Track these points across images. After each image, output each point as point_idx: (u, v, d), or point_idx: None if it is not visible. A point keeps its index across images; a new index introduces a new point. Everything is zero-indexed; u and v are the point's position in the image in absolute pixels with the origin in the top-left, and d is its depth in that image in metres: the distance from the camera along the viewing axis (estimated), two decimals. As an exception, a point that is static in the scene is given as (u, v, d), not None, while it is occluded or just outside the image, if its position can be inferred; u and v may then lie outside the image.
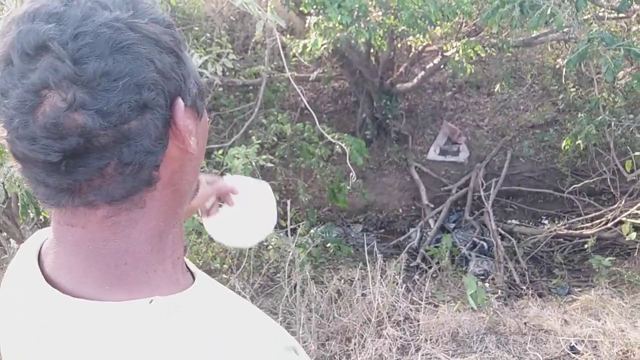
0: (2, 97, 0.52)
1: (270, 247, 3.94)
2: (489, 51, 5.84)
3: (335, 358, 3.20)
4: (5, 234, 3.38)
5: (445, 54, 5.97)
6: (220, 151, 4.45)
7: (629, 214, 4.67)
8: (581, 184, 5.51)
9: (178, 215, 0.63)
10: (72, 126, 0.51)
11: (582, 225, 5.42)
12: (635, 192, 5.17)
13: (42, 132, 0.51)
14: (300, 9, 5.10)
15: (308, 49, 4.92)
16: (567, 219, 5.64)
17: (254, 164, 3.94)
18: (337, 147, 4.54)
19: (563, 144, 5.04)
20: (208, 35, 5.88)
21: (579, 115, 5.48)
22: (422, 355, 3.20)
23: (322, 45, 4.84)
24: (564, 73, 5.93)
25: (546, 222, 6.16)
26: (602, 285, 4.22)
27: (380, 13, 5.11)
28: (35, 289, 0.58)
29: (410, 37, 5.73)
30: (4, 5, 2.53)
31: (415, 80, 6.76)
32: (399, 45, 6.59)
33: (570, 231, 5.42)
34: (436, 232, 5.77)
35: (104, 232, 0.57)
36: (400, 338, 3.35)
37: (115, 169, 0.54)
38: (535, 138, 6.85)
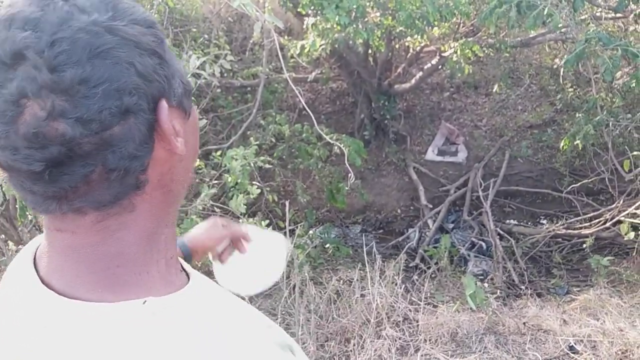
0: None
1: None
2: (486, 51, 5.85)
3: (334, 359, 3.20)
4: (3, 236, 3.37)
5: (443, 54, 5.97)
6: (219, 152, 4.45)
7: (627, 214, 4.67)
8: (579, 183, 5.52)
9: (170, 216, 0.63)
10: (53, 135, 0.50)
11: (580, 225, 5.42)
12: (633, 192, 5.17)
13: (24, 142, 0.50)
14: (298, 10, 5.10)
15: (306, 50, 4.91)
16: (566, 219, 5.65)
17: (252, 165, 3.94)
18: (336, 147, 4.54)
19: (561, 144, 5.04)
20: (206, 36, 5.88)
21: (577, 115, 5.49)
22: (422, 355, 3.20)
23: (320, 46, 4.84)
24: (561, 73, 5.94)
25: (545, 222, 6.17)
26: (600, 284, 4.22)
27: (378, 14, 5.11)
28: (32, 291, 0.58)
29: (408, 38, 5.74)
30: None
31: (413, 81, 6.77)
32: (397, 46, 6.60)
33: (569, 231, 5.43)
34: (435, 233, 5.77)
35: (94, 236, 0.57)
36: (400, 339, 3.35)
37: (101, 175, 0.54)
38: (534, 138, 6.86)
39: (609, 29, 5.66)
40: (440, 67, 6.45)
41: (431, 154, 6.91)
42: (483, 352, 3.23)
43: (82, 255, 0.57)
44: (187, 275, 0.65)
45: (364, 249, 4.01)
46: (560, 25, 3.89)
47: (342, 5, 4.46)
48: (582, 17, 4.97)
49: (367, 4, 4.84)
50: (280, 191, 5.62)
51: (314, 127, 4.93)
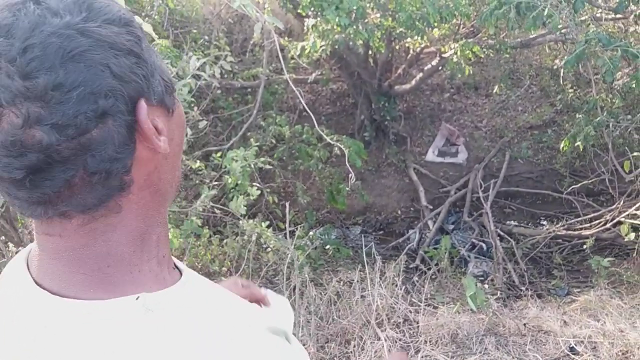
0: None
1: (269, 249, 3.94)
2: (487, 52, 5.84)
3: (334, 360, 3.19)
4: (3, 237, 3.37)
5: (443, 55, 5.98)
6: (219, 153, 4.45)
7: (628, 215, 4.67)
8: (580, 184, 5.51)
9: (160, 215, 0.63)
10: (30, 143, 0.50)
11: (580, 226, 5.42)
12: (633, 193, 5.17)
13: (2, 150, 0.51)
14: (298, 11, 5.11)
15: (306, 51, 4.92)
16: (566, 220, 5.64)
17: (252, 166, 3.94)
18: (336, 149, 4.55)
19: (561, 145, 5.04)
20: (206, 37, 5.88)
21: (577, 116, 5.48)
22: (422, 356, 3.20)
23: (320, 47, 4.85)
24: (561, 74, 5.94)
25: (545, 223, 6.17)
26: (601, 285, 4.22)
27: (378, 15, 5.11)
28: (27, 292, 0.59)
29: (408, 39, 5.74)
30: None
31: (413, 82, 6.77)
32: (397, 47, 6.60)
33: (569, 232, 5.42)
34: (435, 234, 5.77)
35: (82, 239, 0.57)
36: (400, 340, 3.35)
37: (83, 179, 0.54)
38: (534, 139, 6.86)
39: (609, 30, 5.66)
40: (440, 68, 6.45)
41: (431, 155, 6.91)
42: (483, 354, 3.22)
43: (71, 257, 0.57)
44: (180, 273, 0.65)
45: (363, 250, 4.01)
46: (560, 26, 3.90)
47: (342, 7, 4.46)
48: (582, 18, 4.97)
49: (367, 5, 4.84)
50: (280, 192, 5.62)
51: (314, 128, 4.93)
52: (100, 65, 0.52)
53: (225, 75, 5.55)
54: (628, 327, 3.34)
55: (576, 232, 5.37)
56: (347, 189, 5.55)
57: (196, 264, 3.69)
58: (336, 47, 5.05)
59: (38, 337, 0.55)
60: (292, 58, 5.33)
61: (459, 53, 5.36)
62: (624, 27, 5.96)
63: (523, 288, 4.68)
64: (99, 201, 0.56)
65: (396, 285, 3.73)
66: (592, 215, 5.42)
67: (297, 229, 4.11)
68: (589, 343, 3.28)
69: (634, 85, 4.16)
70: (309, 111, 3.57)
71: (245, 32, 6.75)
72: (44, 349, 0.55)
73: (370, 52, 6.32)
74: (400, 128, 7.16)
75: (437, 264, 4.74)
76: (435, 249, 5.19)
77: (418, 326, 3.46)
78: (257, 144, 4.42)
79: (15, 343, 0.57)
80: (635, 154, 4.73)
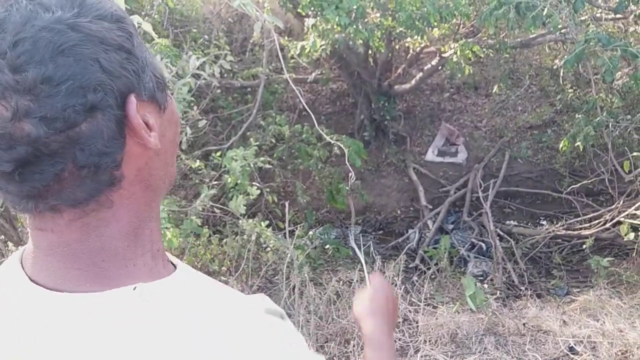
0: None
1: (269, 248, 3.94)
2: (486, 52, 5.84)
3: (334, 360, 3.19)
4: (2, 237, 3.37)
5: (443, 55, 5.98)
6: (219, 153, 4.45)
7: (627, 215, 4.67)
8: (579, 184, 5.51)
9: (153, 210, 0.63)
10: (19, 135, 0.51)
11: (580, 226, 5.42)
12: (633, 193, 5.17)
13: None
14: (298, 10, 5.10)
15: (306, 51, 4.92)
16: (566, 220, 5.64)
17: (252, 165, 3.94)
18: (336, 148, 4.55)
19: (561, 145, 5.04)
20: (206, 37, 5.88)
21: (577, 116, 5.49)
22: (421, 356, 3.20)
23: (320, 46, 4.85)
24: (561, 74, 5.94)
25: (544, 222, 6.17)
26: (600, 285, 4.22)
27: (378, 14, 5.11)
28: (22, 289, 0.59)
29: (408, 39, 5.74)
30: None
31: (413, 82, 6.77)
32: (397, 47, 6.60)
33: (569, 232, 5.43)
34: (435, 233, 5.77)
35: (75, 234, 0.57)
36: (399, 339, 3.35)
37: (72, 173, 0.54)
38: (533, 139, 6.86)
39: (609, 30, 5.66)
40: (440, 67, 6.45)
41: (431, 155, 6.91)
42: (483, 353, 3.23)
43: (66, 253, 0.58)
44: (175, 267, 0.66)
45: (362, 250, 4.00)
46: (559, 26, 3.90)
47: (341, 6, 4.46)
48: (582, 18, 4.97)
49: (367, 4, 4.84)
50: (280, 192, 5.62)
51: (314, 128, 4.94)
52: (90, 59, 0.52)
53: (225, 75, 5.55)
54: (627, 327, 3.35)
55: (576, 232, 5.38)
56: (346, 188, 5.55)
57: (196, 263, 3.69)
58: (336, 46, 5.05)
59: (38, 335, 0.55)
60: (292, 57, 5.32)
61: (458, 53, 5.36)
62: (623, 27, 5.96)
63: (522, 288, 4.68)
64: (89, 195, 0.56)
65: (396, 285, 3.73)
66: (591, 215, 5.42)
67: (296, 228, 4.11)
68: (588, 343, 3.28)
69: (633, 85, 4.16)
70: (308, 111, 3.57)
71: (245, 32, 6.75)
72: (45, 346, 0.55)
73: (370, 51, 6.32)
74: (400, 128, 7.16)
75: (436, 264, 4.74)
76: (434, 248, 5.19)
77: (417, 326, 3.47)
78: (257, 143, 4.41)
79: (15, 342, 0.57)
80: (634, 154, 4.73)
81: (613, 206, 5.13)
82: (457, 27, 6.07)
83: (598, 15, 5.39)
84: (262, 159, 4.12)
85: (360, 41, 5.25)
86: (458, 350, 3.27)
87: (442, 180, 6.67)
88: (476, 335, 3.37)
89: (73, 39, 0.52)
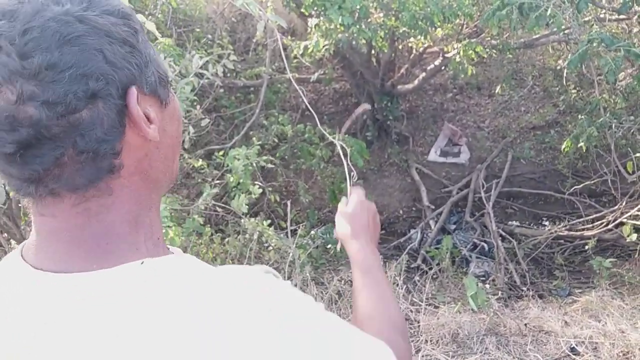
0: None
1: (271, 248, 3.95)
2: (490, 52, 5.84)
3: (335, 359, 3.19)
4: (5, 234, 3.38)
5: (446, 55, 5.97)
6: (221, 152, 4.46)
7: (630, 216, 4.66)
8: (582, 185, 5.51)
9: (153, 201, 0.65)
10: (22, 118, 0.53)
11: (582, 227, 5.41)
12: (636, 194, 5.16)
13: None
14: (302, 10, 5.11)
15: (309, 51, 4.92)
16: (568, 221, 5.64)
17: (254, 165, 3.94)
18: (338, 148, 4.54)
19: (564, 146, 5.04)
20: (209, 36, 5.89)
21: (580, 116, 5.48)
22: (423, 356, 3.20)
23: (323, 46, 4.85)
24: (564, 74, 5.93)
25: (547, 223, 6.16)
26: (602, 286, 4.22)
27: (381, 14, 5.11)
28: (24, 277, 0.60)
29: (411, 39, 5.74)
30: None
31: (416, 82, 6.77)
32: (400, 47, 6.60)
33: (571, 232, 5.42)
34: (437, 234, 5.76)
35: (77, 219, 0.59)
36: None
37: (72, 158, 0.56)
38: (536, 139, 6.85)
39: (613, 31, 5.65)
40: (443, 68, 6.44)
41: (434, 155, 6.90)
42: (484, 353, 3.23)
43: (70, 237, 0.59)
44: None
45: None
46: (563, 26, 3.89)
47: (345, 6, 4.46)
48: (586, 19, 4.96)
49: (370, 4, 4.84)
50: (282, 191, 5.62)
51: (316, 128, 4.94)
52: (94, 50, 0.55)
53: (228, 74, 5.56)
54: (629, 328, 3.34)
55: (578, 233, 5.37)
56: (348, 188, 5.54)
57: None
58: (339, 46, 5.05)
59: (48, 318, 0.56)
60: (295, 57, 5.33)
61: (462, 53, 5.36)
62: (627, 27, 5.95)
63: (524, 288, 4.68)
64: (88, 181, 0.58)
65: (397, 285, 3.74)
66: (594, 216, 5.41)
67: (298, 227, 4.12)
68: (589, 343, 3.28)
69: (636, 86, 4.15)
70: (311, 110, 3.57)
71: (248, 31, 6.76)
72: (57, 328, 0.55)
73: (373, 51, 6.32)
74: (402, 128, 7.16)
75: (438, 264, 4.74)
76: (436, 248, 5.19)
77: (419, 325, 3.47)
78: (260, 142, 4.42)
79: (24, 329, 0.57)
80: (637, 154, 4.72)
81: (616, 207, 5.13)
82: (460, 27, 6.07)
83: (602, 15, 5.38)
84: (264, 158, 4.13)
85: (363, 41, 5.25)
86: (459, 350, 3.27)
87: (444, 181, 6.66)
88: (477, 336, 3.37)
89: (79, 30, 0.54)
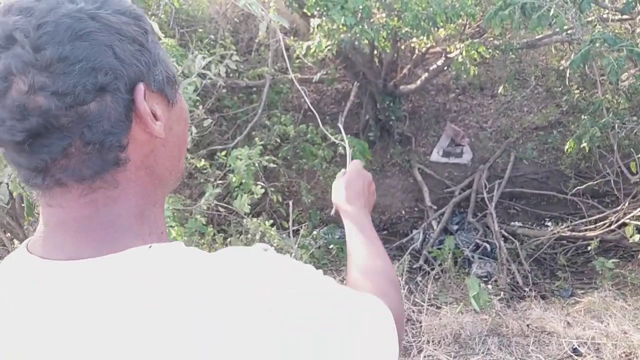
0: None
1: (273, 248, 3.95)
2: (492, 53, 5.83)
3: None
4: (9, 234, 3.39)
5: (448, 55, 5.97)
6: (224, 152, 4.46)
7: (633, 216, 4.65)
8: (585, 185, 5.50)
9: (158, 197, 0.67)
10: (32, 107, 0.55)
11: (585, 227, 5.40)
12: (638, 194, 5.15)
13: (8, 114, 0.55)
14: (304, 10, 5.11)
15: (312, 51, 4.92)
16: (571, 221, 5.63)
17: (256, 165, 3.95)
18: (340, 148, 4.55)
19: (566, 146, 5.03)
20: (212, 36, 5.90)
21: (583, 117, 5.47)
22: (425, 357, 3.20)
23: (325, 46, 4.85)
24: (567, 75, 5.92)
25: (549, 224, 6.15)
26: (605, 287, 4.21)
27: (383, 15, 5.11)
28: (32, 268, 0.60)
29: (414, 39, 5.74)
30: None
31: (418, 82, 6.76)
32: (403, 47, 6.59)
33: (574, 233, 5.41)
34: (439, 234, 5.76)
35: (84, 210, 0.60)
36: (403, 340, 3.35)
37: (78, 148, 0.58)
38: (539, 140, 6.84)
39: (616, 31, 5.63)
40: (445, 68, 6.44)
41: (436, 156, 6.90)
42: (486, 354, 3.22)
43: (78, 228, 0.60)
44: None
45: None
46: (566, 26, 3.88)
47: (347, 6, 4.46)
48: (589, 19, 4.95)
49: (373, 4, 4.84)
50: (284, 191, 5.63)
51: (318, 128, 4.94)
52: (105, 45, 0.57)
53: (231, 74, 5.57)
54: (632, 329, 3.33)
55: (581, 234, 5.36)
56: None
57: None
58: (341, 46, 5.06)
59: (50, 318, 0.56)
60: (298, 57, 5.34)
61: (464, 53, 5.35)
62: (630, 28, 5.93)
63: (527, 289, 4.67)
64: (94, 172, 0.59)
65: (399, 285, 3.73)
66: (597, 216, 5.40)
67: (300, 228, 4.12)
68: (592, 344, 3.28)
69: (639, 87, 4.14)
70: (313, 110, 3.56)
71: (251, 32, 6.76)
72: (70, 312, 0.56)
73: (375, 51, 6.32)
74: (405, 128, 7.16)
75: (440, 264, 4.74)
76: (439, 249, 5.19)
77: (421, 326, 3.47)
78: (262, 143, 4.42)
79: (26, 329, 0.58)
80: (640, 155, 4.71)
81: (618, 208, 5.11)
82: (463, 27, 6.06)
83: (605, 15, 5.36)
84: (266, 158, 4.13)
85: (366, 41, 5.25)
86: (461, 350, 3.27)
87: (446, 181, 6.66)
88: (480, 336, 3.36)
89: (91, 27, 0.57)
